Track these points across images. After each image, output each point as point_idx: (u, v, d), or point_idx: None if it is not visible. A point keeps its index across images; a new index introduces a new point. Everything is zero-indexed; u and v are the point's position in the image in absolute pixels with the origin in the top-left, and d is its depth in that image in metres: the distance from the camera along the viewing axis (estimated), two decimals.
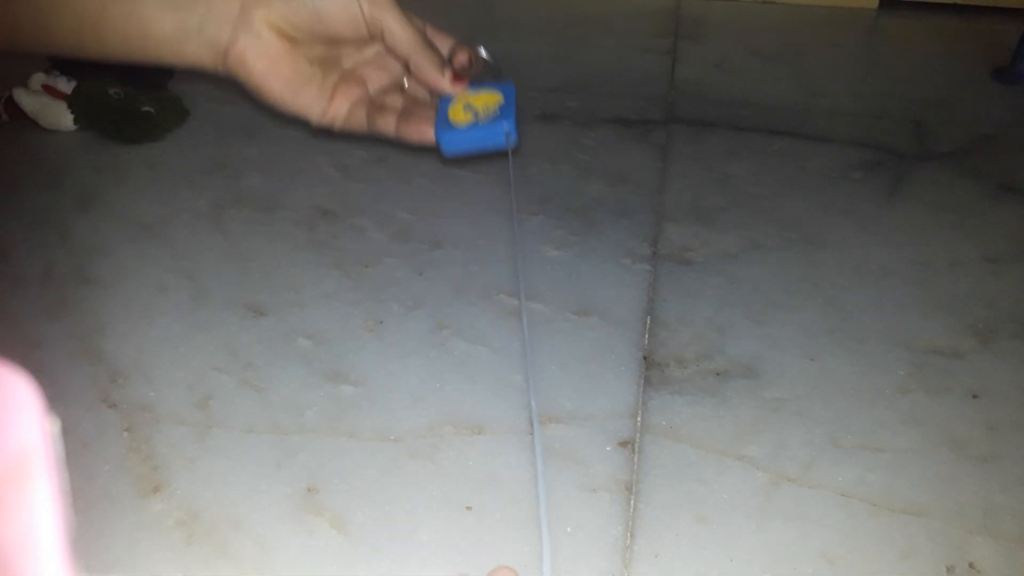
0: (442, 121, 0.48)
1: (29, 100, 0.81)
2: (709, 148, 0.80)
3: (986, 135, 0.81)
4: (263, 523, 0.50)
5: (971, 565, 0.49)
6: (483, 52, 0.51)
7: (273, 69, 0.47)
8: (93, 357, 0.60)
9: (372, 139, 0.49)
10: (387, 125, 0.49)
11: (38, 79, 0.82)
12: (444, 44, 0.51)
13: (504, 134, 0.47)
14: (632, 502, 0.52)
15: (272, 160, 0.79)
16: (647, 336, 0.62)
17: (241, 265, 0.68)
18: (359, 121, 0.50)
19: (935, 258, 0.69)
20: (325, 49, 0.49)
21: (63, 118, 0.81)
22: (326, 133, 0.51)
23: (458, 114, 0.48)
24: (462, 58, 0.49)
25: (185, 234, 0.70)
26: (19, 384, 0.14)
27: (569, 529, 0.50)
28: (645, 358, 0.61)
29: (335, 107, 0.49)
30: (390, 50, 0.49)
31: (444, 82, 0.48)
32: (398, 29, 0.47)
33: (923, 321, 0.63)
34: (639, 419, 0.56)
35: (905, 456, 0.54)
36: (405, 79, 0.50)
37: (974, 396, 0.58)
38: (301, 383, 0.58)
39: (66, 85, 0.82)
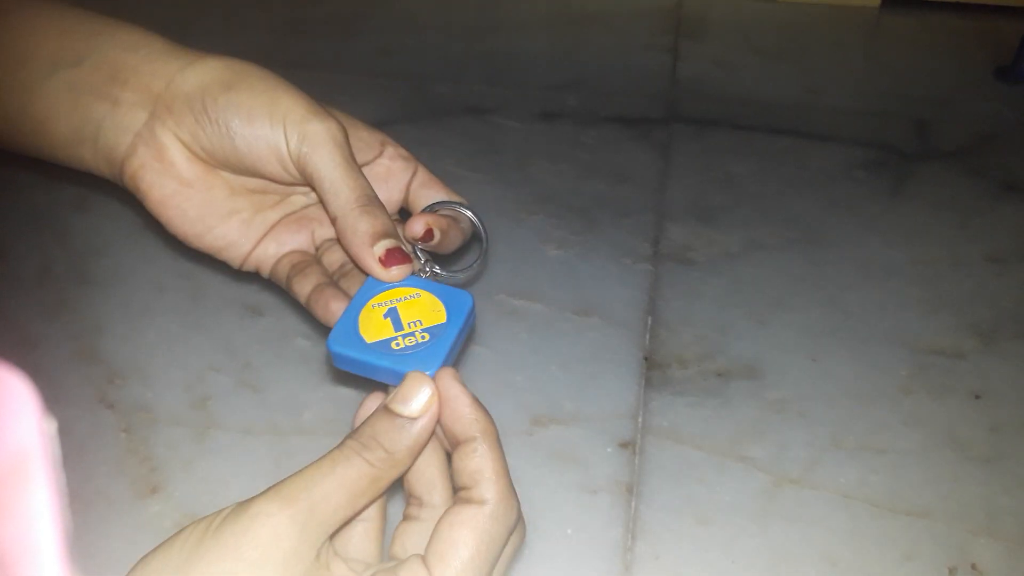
0: (348, 318, 0.35)
1: None
2: (710, 147, 0.79)
3: (989, 134, 0.81)
4: None
5: (974, 566, 0.48)
6: (468, 216, 0.38)
7: (177, 196, 0.38)
8: (90, 357, 0.60)
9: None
10: (301, 288, 0.39)
11: None
12: (426, 203, 0.39)
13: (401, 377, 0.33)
14: (633, 503, 0.51)
15: None
16: (648, 336, 0.62)
17: None
18: (279, 277, 0.41)
19: (938, 257, 0.68)
20: (261, 182, 0.40)
21: None
22: (255, 278, 0.42)
23: (376, 314, 0.35)
24: (414, 229, 0.37)
25: None
26: (16, 384, 0.14)
27: (569, 531, 0.50)
28: (646, 358, 0.60)
29: (261, 251, 0.41)
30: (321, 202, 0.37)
31: (369, 261, 0.35)
32: (331, 176, 0.35)
33: (926, 321, 0.63)
34: (640, 420, 0.56)
35: (907, 457, 0.54)
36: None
37: (977, 397, 0.58)
38: (300, 384, 0.58)
39: None
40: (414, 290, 0.36)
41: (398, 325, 0.35)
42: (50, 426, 0.15)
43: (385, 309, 0.35)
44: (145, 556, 0.30)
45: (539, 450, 0.54)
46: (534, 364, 0.60)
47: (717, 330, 0.62)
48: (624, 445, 0.55)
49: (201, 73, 0.37)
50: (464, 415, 0.32)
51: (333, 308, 0.37)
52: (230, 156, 0.37)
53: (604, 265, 0.67)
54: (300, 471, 0.31)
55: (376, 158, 0.42)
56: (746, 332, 0.62)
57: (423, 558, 0.31)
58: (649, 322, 0.63)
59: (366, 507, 0.32)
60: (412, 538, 0.35)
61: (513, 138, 0.80)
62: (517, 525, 0.33)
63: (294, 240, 0.41)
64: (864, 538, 0.50)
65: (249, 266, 0.42)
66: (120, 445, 0.54)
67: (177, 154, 0.38)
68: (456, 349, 0.36)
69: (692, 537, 0.50)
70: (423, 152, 0.80)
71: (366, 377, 0.36)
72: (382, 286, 0.36)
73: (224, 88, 0.36)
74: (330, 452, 0.33)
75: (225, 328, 0.62)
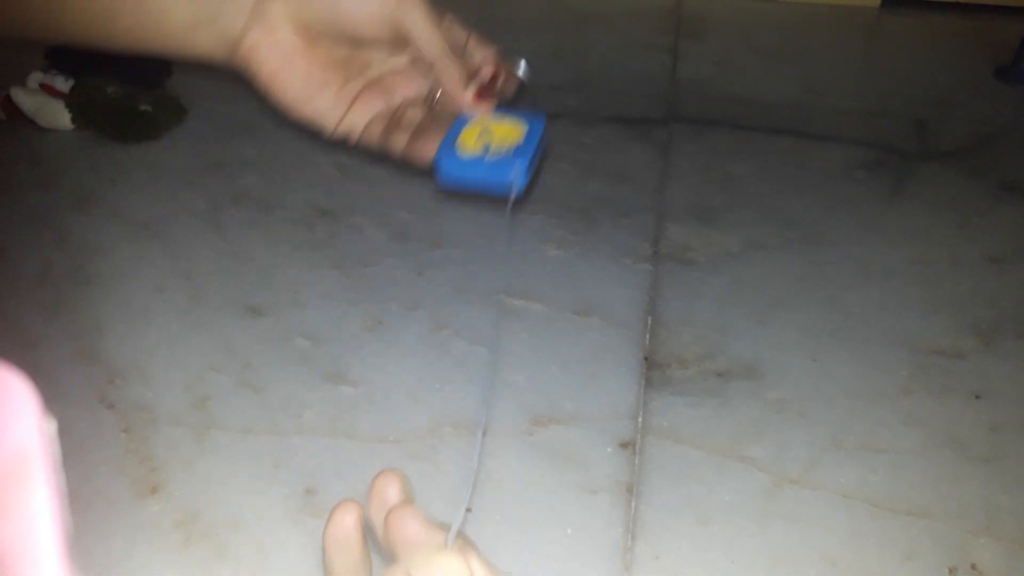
0: (448, 143, 0.42)
1: (27, 99, 0.81)
2: (710, 147, 0.80)
3: (988, 134, 0.81)
4: (261, 524, 0.50)
5: (973, 566, 0.48)
6: (522, 69, 0.45)
7: (285, 69, 0.43)
8: (91, 357, 0.60)
9: (381, 157, 0.46)
10: (397, 144, 0.44)
11: (36, 78, 0.82)
12: (483, 55, 0.46)
13: (509, 178, 0.40)
14: (633, 503, 0.51)
15: (270, 159, 0.78)
16: (648, 336, 0.62)
17: (239, 265, 0.67)
18: (373, 138, 0.45)
19: (937, 258, 0.68)
20: (349, 52, 0.45)
21: (61, 117, 0.81)
22: (340, 144, 0.46)
23: (469, 139, 0.42)
24: (487, 72, 0.44)
25: (183, 234, 0.70)
26: (17, 384, 0.14)
27: (570, 531, 0.50)
28: (646, 358, 0.60)
29: (353, 118, 0.45)
30: (416, 55, 0.43)
31: (465, 97, 0.42)
32: (424, 31, 0.42)
33: (925, 321, 0.63)
34: (640, 420, 0.56)
35: (907, 457, 0.54)
36: (437, 94, 0.45)
37: (976, 397, 0.58)
38: (299, 383, 0.58)
39: (64, 84, 0.81)
40: (497, 118, 0.43)
41: (487, 145, 0.42)
42: (50, 426, 0.15)
43: (476, 134, 0.42)
44: None
45: (539, 450, 0.54)
46: (534, 364, 0.60)
47: (717, 330, 0.62)
48: (624, 445, 0.55)
49: None
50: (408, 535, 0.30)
51: (432, 147, 0.43)
52: (335, 22, 0.42)
53: (604, 265, 0.67)
54: None
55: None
56: (746, 332, 0.62)
57: None
58: (649, 322, 0.63)
59: None
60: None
61: None
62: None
63: (375, 105, 0.46)
64: (864, 538, 0.50)
65: (340, 133, 0.46)
66: (120, 445, 0.54)
67: (285, 30, 0.42)
68: (536, 160, 0.42)
69: (692, 537, 0.50)
70: None
71: (468, 192, 0.42)
72: (468, 119, 0.43)
73: None
74: None
75: (225, 328, 0.62)
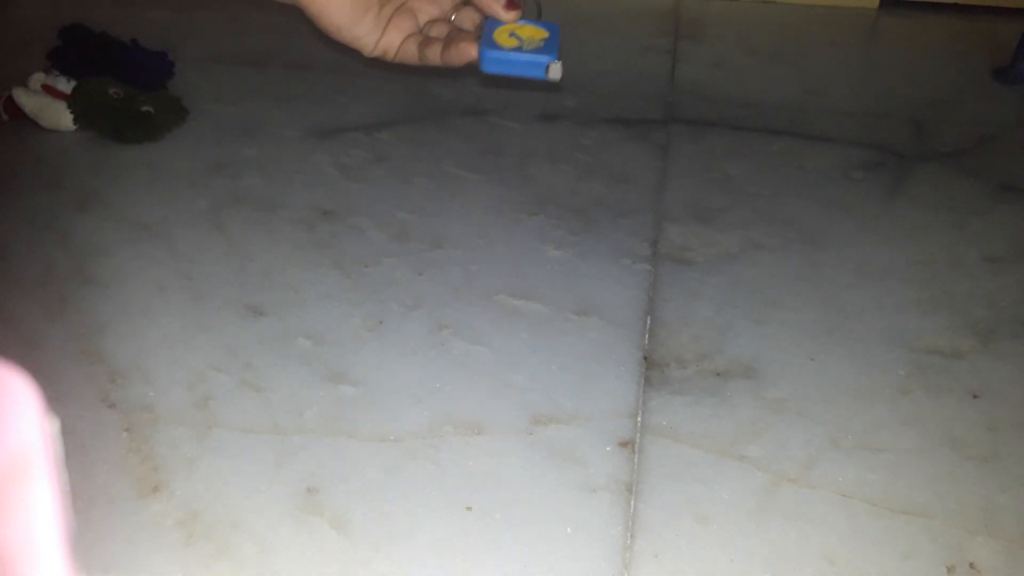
0: (487, 39, 0.50)
1: (28, 100, 0.81)
2: (709, 148, 0.80)
3: (987, 135, 0.81)
4: (263, 523, 0.50)
5: (971, 565, 0.49)
6: (556, 70, 0.51)
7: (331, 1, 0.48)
8: (92, 357, 0.60)
9: (417, 71, 0.51)
10: (434, 54, 0.51)
11: (38, 79, 0.82)
12: None
13: (545, 65, 0.50)
14: (632, 502, 0.52)
15: (271, 160, 0.79)
16: (647, 336, 0.62)
17: (240, 265, 0.68)
18: (410, 53, 0.52)
19: (935, 258, 0.69)
20: None
21: (63, 118, 0.81)
22: (378, 63, 0.52)
23: (502, 37, 0.50)
24: None
25: (184, 234, 0.70)
26: (19, 384, 0.14)
27: (569, 529, 0.50)
28: (645, 358, 0.60)
29: (388, 38, 0.51)
30: None
31: (498, 5, 0.49)
32: None
33: (923, 321, 0.63)
34: (639, 419, 0.56)
35: (905, 456, 0.54)
36: (453, 15, 0.52)
37: (974, 396, 0.58)
38: (301, 383, 0.58)
39: (66, 85, 0.82)
40: (520, 25, 0.51)
41: (520, 40, 0.50)
42: (52, 425, 0.15)
43: (507, 32, 0.50)
44: None
45: (539, 449, 0.54)
46: (534, 364, 0.60)
47: (716, 330, 0.63)
48: (623, 444, 0.55)
49: None
50: None
51: (468, 48, 0.49)
52: None
53: (603, 265, 0.67)
54: None
55: None
56: (744, 332, 0.62)
57: None
58: (648, 322, 0.63)
59: None
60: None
61: (513, 139, 0.80)
62: None
63: (407, 26, 0.52)
64: (862, 537, 0.50)
65: (378, 52, 0.52)
66: (122, 444, 0.54)
67: None
68: (558, 51, 0.51)
69: (691, 535, 0.50)
70: (424, 153, 0.80)
71: (510, 75, 0.51)
72: (499, 25, 0.50)
73: None
74: None
75: (226, 328, 0.62)
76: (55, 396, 0.57)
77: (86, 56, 0.84)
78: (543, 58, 0.50)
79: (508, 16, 0.51)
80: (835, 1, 1.00)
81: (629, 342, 0.61)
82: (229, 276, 0.67)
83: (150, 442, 0.54)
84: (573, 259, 0.68)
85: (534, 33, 0.52)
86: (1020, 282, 0.67)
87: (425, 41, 0.52)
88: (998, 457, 0.54)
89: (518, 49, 0.50)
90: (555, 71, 0.51)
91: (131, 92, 0.82)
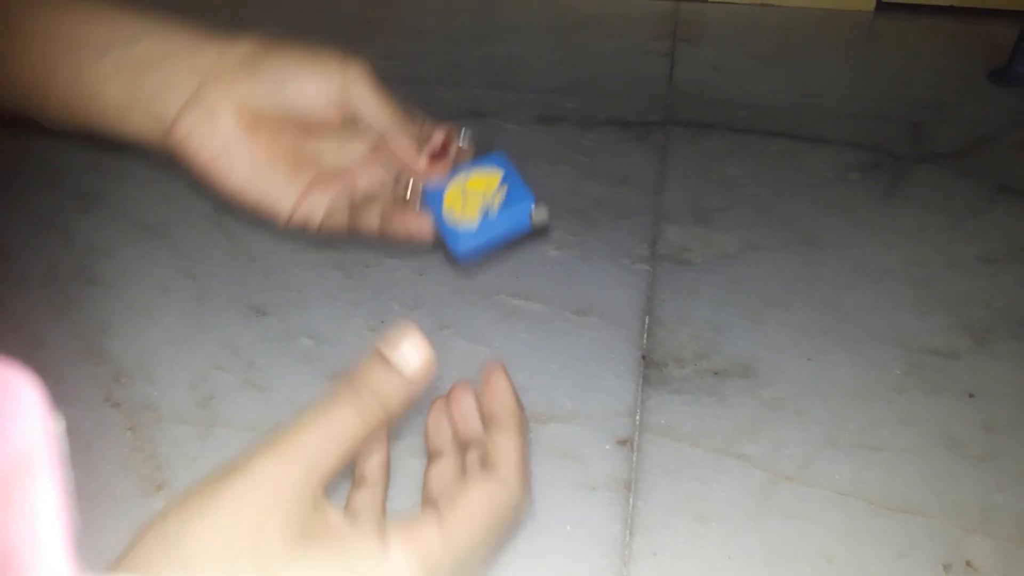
0: (439, 214, 0.40)
1: None
2: (707, 149, 0.80)
3: (983, 136, 0.82)
4: None
5: (968, 563, 0.49)
6: (463, 138, 0.44)
7: (224, 155, 0.41)
8: (96, 357, 0.60)
9: (353, 242, 0.45)
10: (371, 220, 0.43)
11: None
12: (437, 127, 0.44)
13: (528, 213, 0.40)
14: (631, 500, 0.52)
15: None
16: (646, 336, 0.63)
17: (243, 265, 0.68)
18: (339, 220, 0.43)
19: (932, 258, 0.69)
20: (298, 140, 0.43)
21: None
22: (300, 232, 0.44)
23: (456, 206, 0.40)
24: (438, 138, 0.42)
25: (188, 234, 0.71)
26: (23, 384, 0.14)
27: (568, 527, 0.51)
28: (644, 357, 0.61)
29: (310, 202, 0.43)
30: (365, 127, 0.42)
31: (419, 163, 0.41)
32: (373, 103, 0.41)
33: (920, 321, 0.64)
34: (638, 418, 0.57)
35: (902, 455, 0.55)
36: (395, 179, 0.43)
37: (971, 395, 0.59)
38: (303, 382, 0.59)
39: None
40: (463, 176, 0.42)
41: (476, 199, 0.40)
42: (57, 425, 0.15)
43: (459, 200, 0.41)
44: (141, 529, 0.30)
45: (539, 447, 0.55)
46: (534, 363, 0.60)
47: (714, 329, 0.63)
48: (622, 442, 0.55)
49: (246, 44, 0.43)
50: (504, 401, 0.36)
51: (413, 219, 0.42)
52: (279, 107, 0.41)
53: (603, 265, 0.68)
54: (293, 424, 0.32)
55: None
56: (742, 331, 0.63)
57: (436, 504, 0.33)
58: (647, 322, 0.64)
59: (354, 451, 0.33)
60: (364, 503, 0.38)
61: (513, 140, 0.81)
62: (523, 510, 0.36)
63: (332, 190, 0.44)
64: (859, 535, 0.50)
65: (297, 219, 0.44)
66: (126, 443, 0.55)
67: (226, 115, 0.41)
68: (525, 185, 0.42)
69: (689, 533, 0.50)
70: None
71: (493, 251, 0.41)
72: (440, 191, 0.41)
73: (269, 51, 0.42)
74: (322, 401, 0.33)
75: (229, 328, 0.63)
76: (59, 395, 0.58)
77: None
78: (522, 206, 0.40)
79: (431, 172, 0.41)
80: (832, 4, 1.01)
81: (628, 342, 0.62)
82: (231, 276, 0.67)
83: (153, 441, 0.55)
84: (573, 259, 0.68)
85: (486, 180, 0.41)
86: (1016, 282, 0.67)
87: (356, 208, 0.43)
88: (995, 456, 0.55)
89: (487, 221, 0.39)
90: (540, 215, 0.40)
91: None
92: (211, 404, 0.57)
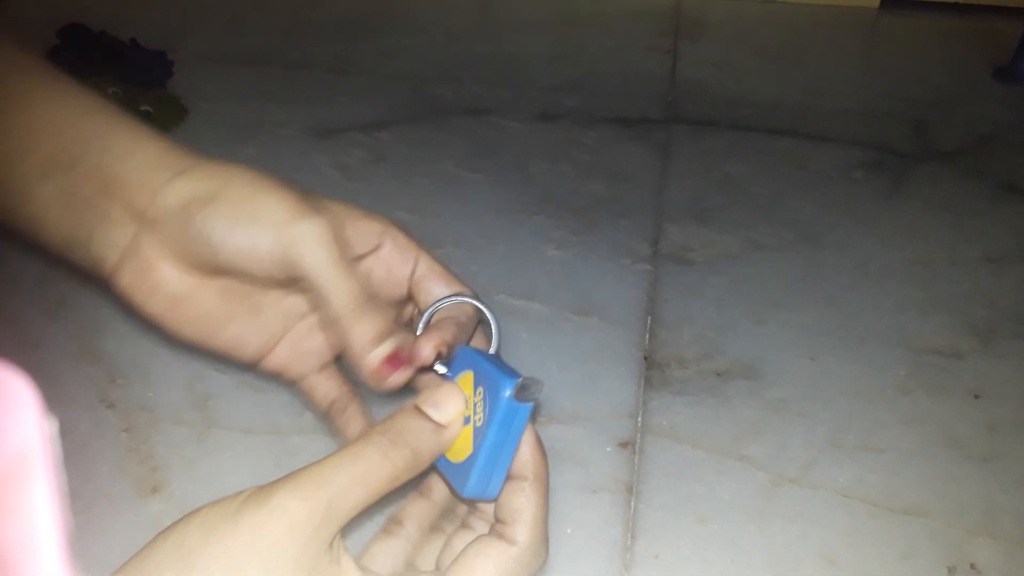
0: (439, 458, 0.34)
1: None
2: (709, 148, 0.80)
3: (987, 135, 0.81)
4: None
5: (972, 565, 0.48)
6: (474, 306, 0.37)
7: (170, 310, 0.38)
8: (92, 357, 0.60)
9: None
10: (346, 427, 0.40)
11: None
12: (435, 286, 0.39)
13: (521, 424, 0.33)
14: (632, 503, 0.51)
15: (271, 159, 0.79)
16: (647, 336, 0.62)
17: None
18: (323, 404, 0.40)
19: (936, 258, 0.69)
20: (254, 290, 0.39)
21: None
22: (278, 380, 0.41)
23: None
24: (424, 354, 0.35)
25: None
26: (17, 384, 0.14)
27: (569, 530, 0.50)
28: (645, 358, 0.60)
29: (278, 356, 0.40)
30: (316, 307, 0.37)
31: (368, 360, 0.34)
32: (321, 278, 0.34)
33: (924, 321, 0.63)
34: (639, 419, 0.56)
35: (906, 456, 0.54)
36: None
37: (975, 396, 0.58)
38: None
39: None
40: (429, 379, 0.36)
41: (468, 420, 0.34)
42: (51, 426, 0.15)
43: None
44: (164, 530, 0.30)
45: None
46: (534, 364, 0.60)
47: (716, 330, 0.63)
48: (624, 444, 0.55)
49: (183, 188, 0.36)
50: (524, 453, 0.34)
51: (356, 424, 0.39)
52: (219, 267, 0.37)
53: (603, 265, 0.67)
54: (322, 461, 0.31)
55: (375, 250, 0.40)
56: (745, 332, 0.62)
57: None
58: (648, 322, 0.63)
59: (379, 497, 0.33)
60: (388, 554, 0.36)
61: (513, 139, 0.80)
62: (540, 569, 0.34)
63: (311, 343, 0.40)
64: (862, 537, 0.50)
65: (268, 368, 0.41)
66: (121, 444, 0.54)
67: (166, 269, 0.37)
68: (497, 360, 0.36)
69: (691, 536, 0.50)
70: (423, 153, 0.80)
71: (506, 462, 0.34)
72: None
73: (206, 201, 0.35)
74: (354, 444, 0.32)
75: None
76: (54, 396, 0.57)
77: (85, 56, 0.84)
78: (502, 392, 0.32)
79: (385, 387, 0.35)
80: (835, 1, 1.00)
81: (629, 342, 0.61)
82: None
83: (150, 442, 0.54)
84: (573, 259, 0.68)
85: (465, 382, 0.34)
86: (1021, 282, 0.66)
87: (336, 404, 0.40)
88: (999, 457, 0.54)
89: (475, 431, 0.33)
90: (530, 388, 0.33)
91: (130, 91, 0.82)
92: (208, 405, 0.57)
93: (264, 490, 0.30)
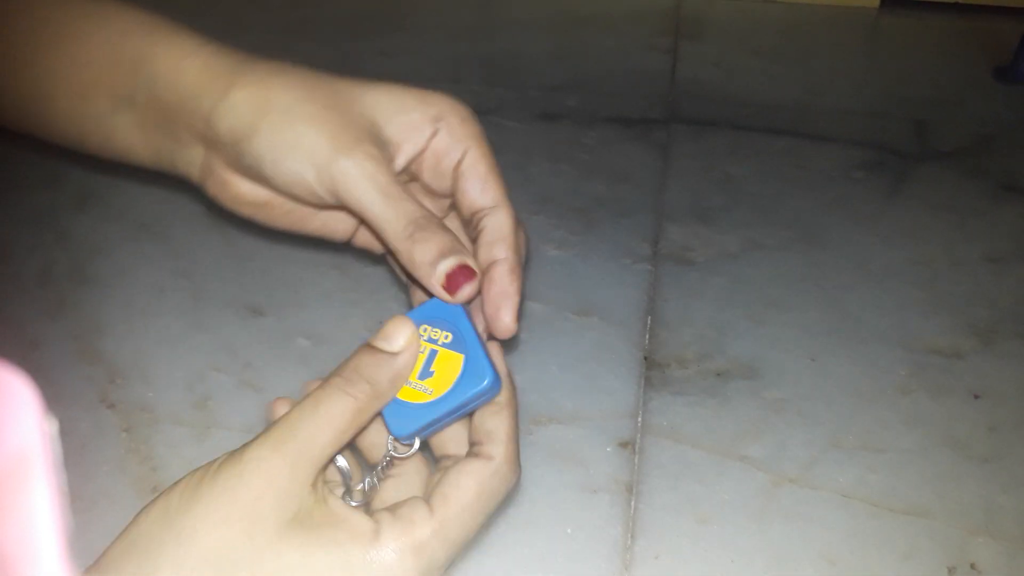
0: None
1: None
2: (710, 147, 0.80)
3: (987, 134, 0.81)
4: None
5: (972, 566, 0.48)
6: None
7: (258, 211, 0.40)
8: (92, 357, 0.60)
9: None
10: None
11: None
12: (474, 184, 0.37)
13: (481, 389, 0.34)
14: (632, 503, 0.51)
15: None
16: (647, 336, 0.62)
17: (240, 265, 0.68)
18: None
19: (936, 258, 0.69)
20: None
21: None
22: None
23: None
24: (503, 324, 0.37)
25: (184, 233, 0.70)
26: (17, 384, 0.14)
27: (569, 530, 0.50)
28: (645, 358, 0.60)
29: (365, 233, 0.42)
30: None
31: (438, 291, 0.35)
32: (372, 212, 0.34)
33: (924, 321, 0.63)
34: (639, 419, 0.56)
35: (906, 456, 0.54)
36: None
37: (975, 396, 0.58)
38: (300, 383, 0.58)
39: None
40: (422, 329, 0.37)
41: (428, 358, 0.36)
42: (51, 426, 0.15)
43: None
44: (147, 504, 0.32)
45: (539, 449, 0.54)
46: (534, 364, 0.60)
47: (716, 330, 0.63)
48: (624, 444, 0.55)
49: (227, 116, 0.36)
50: None
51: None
52: (264, 182, 0.38)
53: (604, 265, 0.67)
54: (288, 412, 0.33)
55: (431, 138, 0.39)
56: (745, 332, 0.62)
57: (425, 499, 0.34)
58: (649, 322, 0.63)
59: (351, 439, 0.34)
60: (394, 490, 0.38)
61: (513, 138, 0.80)
62: (515, 486, 0.37)
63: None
64: (863, 537, 0.50)
65: (359, 244, 0.44)
66: (121, 445, 0.54)
67: (241, 183, 0.39)
68: (482, 343, 0.36)
69: (691, 536, 0.50)
70: None
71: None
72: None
73: (248, 133, 0.36)
74: (313, 392, 0.34)
75: (226, 328, 0.62)
76: (54, 396, 0.57)
77: None
78: (481, 382, 0.34)
79: (457, 299, 0.35)
80: (836, 1, 1.00)
81: (629, 342, 0.61)
82: (228, 276, 0.66)
83: (149, 442, 0.54)
84: (573, 259, 0.68)
85: (446, 358, 0.35)
86: (1021, 282, 0.66)
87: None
88: (1000, 457, 0.54)
89: (434, 396, 0.34)
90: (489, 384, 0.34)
91: None
92: (208, 405, 0.57)
93: (237, 450, 0.32)
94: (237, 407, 0.57)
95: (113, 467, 0.53)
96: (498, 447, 0.35)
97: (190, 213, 0.72)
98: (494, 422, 0.35)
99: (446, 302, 0.35)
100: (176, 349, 0.60)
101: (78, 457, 0.53)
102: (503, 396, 0.36)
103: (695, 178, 0.76)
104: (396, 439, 0.35)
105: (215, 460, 0.32)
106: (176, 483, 0.32)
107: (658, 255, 0.68)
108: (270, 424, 0.34)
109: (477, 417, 0.36)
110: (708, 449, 0.54)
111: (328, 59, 0.91)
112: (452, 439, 0.39)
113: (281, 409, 0.36)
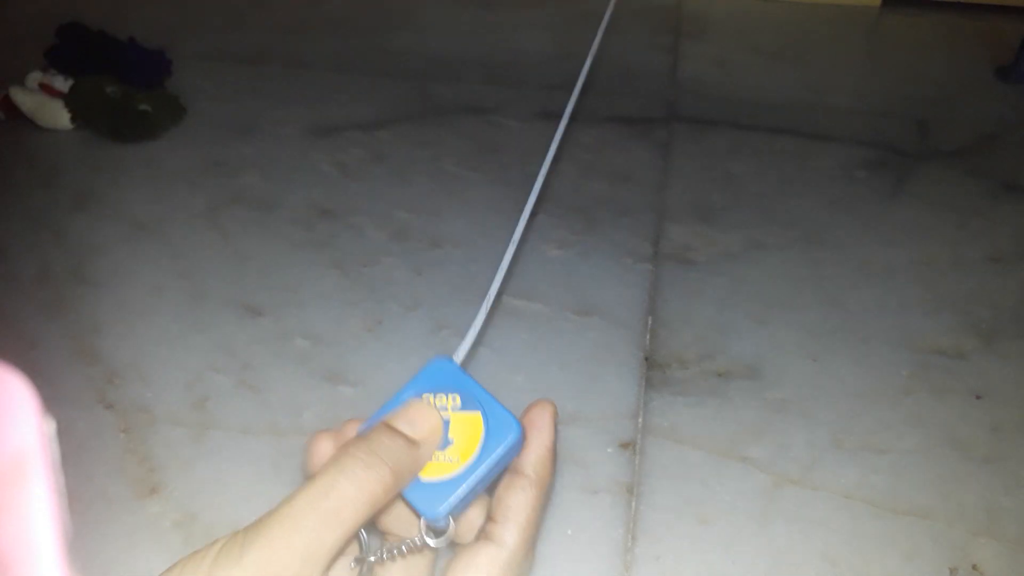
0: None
1: (26, 98, 0.81)
2: (711, 146, 0.79)
3: (989, 134, 0.81)
4: None
5: (974, 567, 0.48)
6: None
7: None
8: (90, 357, 0.59)
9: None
10: None
11: (35, 77, 0.82)
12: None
13: (513, 440, 0.32)
14: (633, 504, 0.51)
15: (270, 158, 0.78)
16: (648, 336, 0.62)
17: (238, 264, 0.67)
18: None
19: (938, 257, 0.68)
20: None
21: (60, 116, 0.80)
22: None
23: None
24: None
25: (182, 233, 0.70)
26: (15, 385, 0.14)
27: (570, 531, 0.50)
28: (646, 358, 0.60)
29: None
30: None
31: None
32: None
33: (926, 321, 0.63)
34: (640, 420, 0.56)
35: (908, 457, 0.54)
36: None
37: (977, 397, 0.58)
38: (299, 384, 0.58)
39: (63, 83, 0.81)
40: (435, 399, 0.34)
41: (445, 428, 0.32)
42: (49, 426, 0.15)
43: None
44: None
45: None
46: (534, 364, 0.59)
47: (717, 330, 0.62)
48: (624, 445, 0.54)
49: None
50: (535, 454, 0.32)
51: None
52: None
53: (604, 265, 0.67)
54: (293, 498, 0.29)
55: None
56: (746, 332, 0.62)
57: None
58: (649, 322, 0.63)
59: (359, 527, 0.30)
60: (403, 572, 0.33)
61: (513, 138, 0.80)
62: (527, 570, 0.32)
63: None
64: (864, 538, 0.50)
65: None
66: (119, 445, 0.54)
67: None
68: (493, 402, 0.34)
69: (692, 537, 0.50)
70: (423, 151, 0.80)
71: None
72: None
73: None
74: (325, 471, 0.30)
75: (224, 328, 0.62)
76: (52, 396, 0.57)
77: (83, 54, 0.84)
78: (509, 434, 0.32)
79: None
80: (838, 0, 1.00)
81: (630, 342, 0.61)
82: (227, 275, 0.66)
83: (147, 443, 0.54)
84: (574, 259, 0.68)
85: (465, 422, 0.33)
86: (1023, 282, 0.66)
87: None
88: (1001, 458, 0.54)
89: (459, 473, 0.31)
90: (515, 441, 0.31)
91: (129, 91, 0.81)
92: (206, 406, 0.56)
93: (236, 541, 0.28)
94: (235, 407, 0.56)
95: (111, 467, 0.53)
96: (513, 530, 0.30)
97: (188, 213, 0.72)
98: (517, 499, 0.31)
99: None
100: (174, 349, 0.60)
101: (76, 457, 0.53)
102: (538, 470, 0.31)
103: (696, 177, 0.76)
104: (429, 522, 0.31)
105: (212, 545, 0.28)
106: (169, 571, 0.28)
107: (659, 255, 0.68)
108: (276, 508, 0.29)
109: (501, 488, 0.32)
110: (709, 450, 0.54)
111: (327, 59, 0.91)
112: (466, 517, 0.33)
113: (322, 447, 0.32)
